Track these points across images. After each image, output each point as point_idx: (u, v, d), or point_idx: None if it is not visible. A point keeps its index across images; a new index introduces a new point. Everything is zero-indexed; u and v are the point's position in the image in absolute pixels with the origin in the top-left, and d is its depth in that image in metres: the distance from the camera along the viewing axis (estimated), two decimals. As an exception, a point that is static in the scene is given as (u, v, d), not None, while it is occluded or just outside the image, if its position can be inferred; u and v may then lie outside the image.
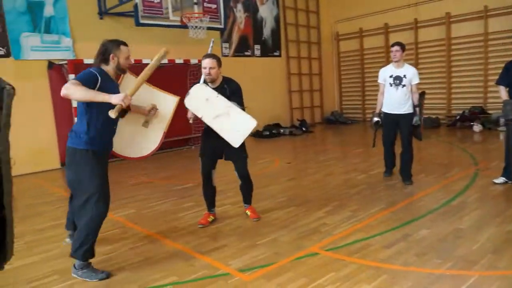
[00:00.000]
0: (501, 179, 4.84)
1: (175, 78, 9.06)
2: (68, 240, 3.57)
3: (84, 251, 2.90)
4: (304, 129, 11.20)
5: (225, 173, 6.32)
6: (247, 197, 4.14)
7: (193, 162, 7.52)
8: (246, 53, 10.81)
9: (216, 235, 3.69)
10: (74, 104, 7.19)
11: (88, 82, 2.80)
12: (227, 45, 10.41)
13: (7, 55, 6.94)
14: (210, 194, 4.04)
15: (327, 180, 5.58)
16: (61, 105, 7.45)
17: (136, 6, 6.99)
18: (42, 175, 7.07)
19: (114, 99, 2.74)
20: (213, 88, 3.69)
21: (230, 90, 3.74)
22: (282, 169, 6.60)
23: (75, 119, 7.99)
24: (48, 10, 7.41)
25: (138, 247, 3.51)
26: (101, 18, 8.05)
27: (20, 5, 7.07)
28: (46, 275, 3.05)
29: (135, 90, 3.07)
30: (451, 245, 3.21)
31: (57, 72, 7.46)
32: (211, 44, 4.20)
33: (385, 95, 5.21)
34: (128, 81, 3.41)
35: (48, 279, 2.99)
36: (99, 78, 2.86)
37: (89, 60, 7.45)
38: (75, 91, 2.71)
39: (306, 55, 12.70)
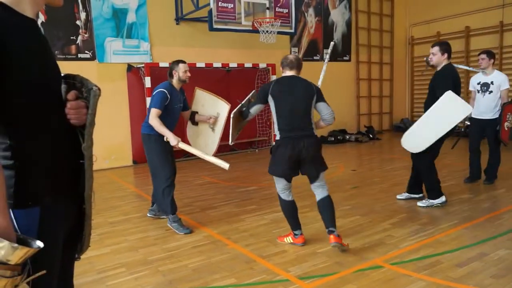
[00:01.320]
0: None
1: (244, 81, 9.25)
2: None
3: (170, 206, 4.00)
4: (371, 136, 10.84)
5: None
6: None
7: (257, 165, 7.60)
8: (315, 58, 10.72)
9: (277, 240, 3.68)
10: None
11: (163, 104, 3.87)
12: (296, 49, 10.40)
13: (92, 58, 7.54)
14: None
15: (394, 190, 5.33)
16: (136, 106, 7.94)
17: (210, 11, 7.24)
18: (116, 171, 7.56)
19: (171, 140, 3.85)
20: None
21: None
22: (347, 176, 6.43)
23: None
24: (131, 17, 7.94)
25: (201, 246, 3.61)
26: (177, 24, 8.45)
27: (106, 12, 7.66)
28: (114, 266, 3.24)
29: (186, 149, 3.98)
30: (534, 270, 2.91)
31: (135, 75, 7.96)
32: (330, 48, 4.60)
33: (475, 101, 5.46)
34: (199, 96, 4.39)
35: (115, 270, 3.16)
36: (168, 96, 3.90)
37: (164, 64, 7.87)
38: (155, 126, 3.86)
39: (378, 60, 12.29)
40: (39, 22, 6.95)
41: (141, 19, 8.03)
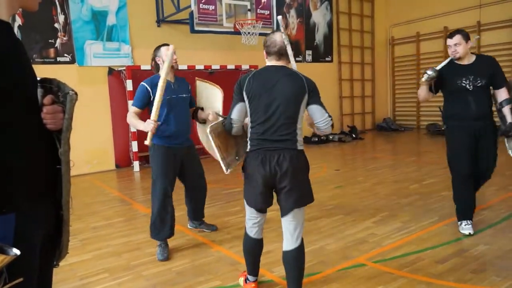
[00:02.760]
0: None
1: (227, 83, 9.22)
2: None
3: None
4: (354, 135, 10.95)
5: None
6: None
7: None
8: (297, 59, 10.78)
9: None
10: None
11: (142, 100, 3.39)
12: (278, 50, 10.45)
13: (71, 61, 7.43)
14: None
15: (377, 189, 5.40)
16: (118, 110, 7.85)
17: (191, 13, 7.21)
18: (98, 175, 7.45)
19: (144, 127, 3.19)
20: None
21: None
22: (330, 176, 6.49)
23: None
24: (111, 19, 7.85)
25: (185, 250, 3.59)
26: (158, 26, 8.39)
27: (85, 15, 7.55)
28: (97, 272, 3.20)
29: (156, 111, 3.12)
30: (511, 262, 2.98)
31: (116, 78, 7.87)
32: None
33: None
34: (200, 88, 3.77)
35: (98, 276, 3.12)
36: (149, 89, 3.35)
37: (146, 66, 7.79)
38: (129, 122, 3.46)
39: (359, 60, 12.44)
40: (15, 25, 6.82)
41: (121, 22, 7.95)
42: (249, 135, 2.48)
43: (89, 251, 3.65)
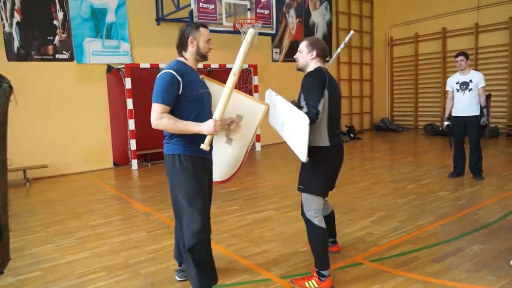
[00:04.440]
0: None
1: (226, 82, 9.24)
2: None
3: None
4: (352, 135, 10.98)
5: (270, 177, 6.34)
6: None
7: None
8: (296, 58, 10.78)
9: (259, 240, 3.71)
10: (130, 107, 7.56)
11: (172, 93, 2.43)
12: (277, 50, 10.46)
13: (70, 59, 7.42)
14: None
15: (374, 188, 5.42)
16: (116, 108, 7.85)
17: (191, 12, 7.22)
18: (96, 173, 7.46)
19: (205, 129, 2.42)
20: None
21: None
22: (329, 175, 6.49)
23: (129, 121, 8.30)
24: (110, 17, 7.84)
25: (183, 247, 3.60)
26: (158, 24, 8.39)
27: (85, 12, 7.55)
28: (95, 270, 3.20)
29: (223, 109, 2.49)
30: (506, 262, 3.00)
31: (114, 76, 7.87)
32: (347, 38, 4.14)
33: (454, 101, 5.71)
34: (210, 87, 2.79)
35: (96, 274, 3.13)
36: (179, 79, 2.44)
37: (145, 65, 7.82)
38: (165, 127, 2.44)
39: (358, 60, 12.47)
40: (14, 21, 6.82)
41: (120, 19, 7.95)
42: (324, 130, 2.65)
43: (87, 249, 3.65)
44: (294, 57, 2.97)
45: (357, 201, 4.87)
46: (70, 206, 5.17)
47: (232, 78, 2.52)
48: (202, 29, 2.61)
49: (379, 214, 4.30)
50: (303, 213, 2.80)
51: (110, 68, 7.83)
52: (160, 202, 5.15)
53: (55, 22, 7.24)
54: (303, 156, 2.41)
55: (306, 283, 2.72)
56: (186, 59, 2.63)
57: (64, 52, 7.36)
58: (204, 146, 2.43)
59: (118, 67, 7.83)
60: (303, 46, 2.82)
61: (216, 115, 2.47)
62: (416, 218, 4.11)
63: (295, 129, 2.50)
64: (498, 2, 10.09)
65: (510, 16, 9.85)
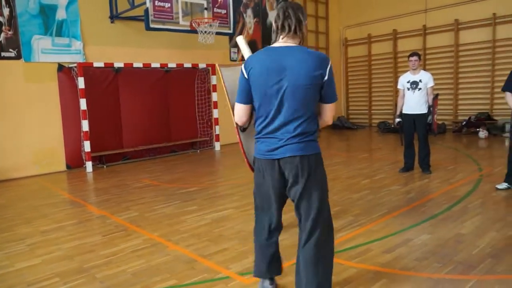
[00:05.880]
0: (504, 185, 4.88)
1: (183, 82, 9.16)
2: None
3: None
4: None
5: (230, 176, 6.36)
6: None
7: (199, 166, 7.57)
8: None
9: (218, 239, 3.72)
10: (83, 107, 7.31)
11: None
12: (235, 50, 10.48)
13: (17, 57, 7.06)
14: None
15: (331, 185, 5.58)
16: (69, 108, 7.57)
17: (146, 10, 7.09)
18: (47, 177, 7.16)
19: None
20: None
21: None
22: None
23: (83, 122, 8.04)
24: (60, 14, 7.54)
25: (140, 250, 3.54)
26: (112, 22, 8.16)
27: (32, 8, 7.21)
28: (47, 277, 3.08)
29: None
30: (451, 250, 3.21)
31: (66, 75, 7.58)
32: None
33: (404, 99, 5.97)
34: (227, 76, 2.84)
35: (48, 281, 3.01)
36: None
37: (98, 63, 7.59)
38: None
39: (314, 60, 12.71)
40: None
41: (72, 17, 7.66)
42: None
43: (38, 256, 3.51)
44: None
45: (314, 197, 4.99)
46: (20, 212, 4.94)
47: None
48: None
49: (335, 209, 4.43)
50: None
51: (61, 67, 7.53)
52: (117, 205, 5.03)
53: (0, 18, 6.87)
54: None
55: None
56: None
57: (10, 50, 6.99)
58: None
59: (70, 66, 7.55)
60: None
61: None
62: (370, 212, 4.28)
63: None
64: (443, 5, 10.67)
65: (455, 19, 10.44)
